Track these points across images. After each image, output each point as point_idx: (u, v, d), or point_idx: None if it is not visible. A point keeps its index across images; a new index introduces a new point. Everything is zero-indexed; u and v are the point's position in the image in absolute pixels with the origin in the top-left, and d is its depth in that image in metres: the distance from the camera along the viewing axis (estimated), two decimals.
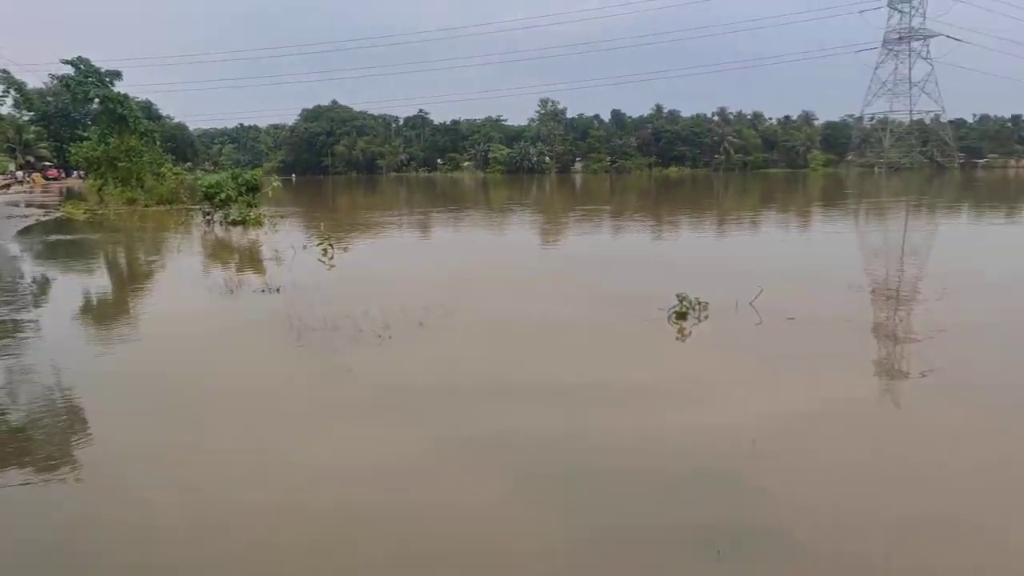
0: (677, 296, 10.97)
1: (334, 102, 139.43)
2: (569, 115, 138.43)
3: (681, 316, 10.84)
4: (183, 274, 17.33)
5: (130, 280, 17.52)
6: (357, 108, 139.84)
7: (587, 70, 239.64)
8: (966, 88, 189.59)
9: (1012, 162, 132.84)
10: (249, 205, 29.06)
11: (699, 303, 11.05)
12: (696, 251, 21.98)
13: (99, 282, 17.07)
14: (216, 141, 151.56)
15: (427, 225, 32.36)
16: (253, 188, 29.71)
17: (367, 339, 10.04)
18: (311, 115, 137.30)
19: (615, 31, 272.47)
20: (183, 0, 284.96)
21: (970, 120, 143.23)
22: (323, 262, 18.29)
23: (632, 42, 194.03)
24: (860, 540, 4.94)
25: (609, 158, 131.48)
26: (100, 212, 35.69)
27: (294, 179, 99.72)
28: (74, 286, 16.22)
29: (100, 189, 42.04)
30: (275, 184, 32.79)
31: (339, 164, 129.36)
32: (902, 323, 11.43)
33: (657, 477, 5.94)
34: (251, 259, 19.86)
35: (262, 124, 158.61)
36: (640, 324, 10.98)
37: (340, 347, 9.70)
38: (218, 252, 22.27)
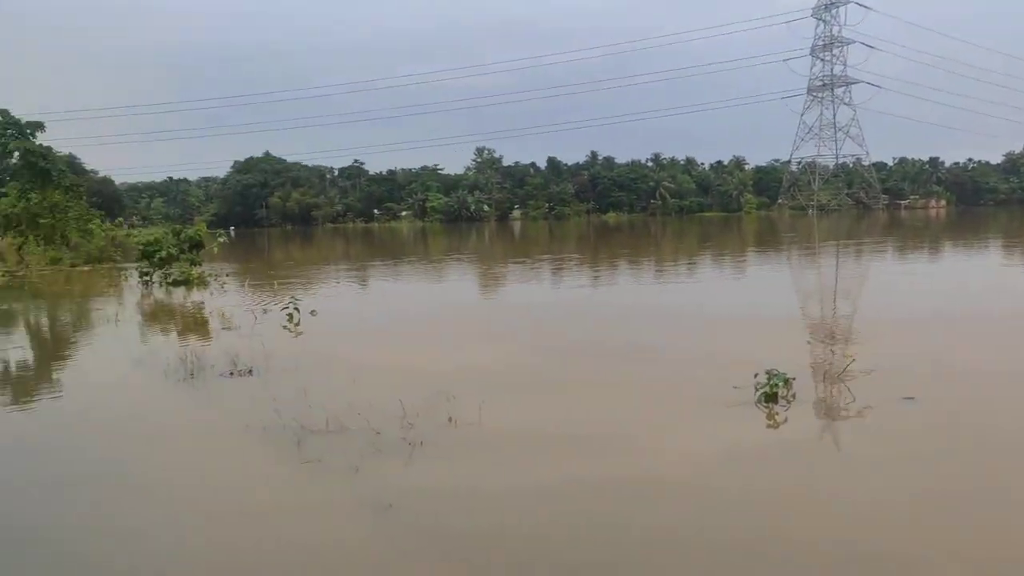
0: (767, 373, 8.96)
1: (267, 153, 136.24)
2: (505, 163, 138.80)
3: (771, 398, 8.85)
4: (126, 352, 14.58)
5: (58, 360, 14.64)
6: (291, 159, 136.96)
7: (521, 118, 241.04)
8: (885, 132, 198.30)
9: (932, 203, 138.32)
10: (192, 263, 26.33)
11: (787, 380, 9.05)
12: (720, 298, 19.98)
13: (17, 367, 14.12)
14: (144, 195, 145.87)
15: (396, 275, 29.89)
16: (196, 245, 27.00)
17: (391, 446, 7.73)
18: (244, 167, 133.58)
19: (549, 79, 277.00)
20: (107, 54, 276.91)
21: (890, 163, 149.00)
22: (289, 329, 15.85)
23: (568, 91, 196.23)
24: None
25: (547, 205, 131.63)
26: (20, 274, 32.23)
27: (232, 233, 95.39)
28: None
29: (20, 248, 38.36)
30: (221, 240, 30.12)
31: (273, 216, 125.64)
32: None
33: None
34: (204, 328, 17.20)
35: (192, 177, 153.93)
36: (722, 409, 8.89)
37: (360, 462, 7.34)
38: (163, 320, 19.50)
